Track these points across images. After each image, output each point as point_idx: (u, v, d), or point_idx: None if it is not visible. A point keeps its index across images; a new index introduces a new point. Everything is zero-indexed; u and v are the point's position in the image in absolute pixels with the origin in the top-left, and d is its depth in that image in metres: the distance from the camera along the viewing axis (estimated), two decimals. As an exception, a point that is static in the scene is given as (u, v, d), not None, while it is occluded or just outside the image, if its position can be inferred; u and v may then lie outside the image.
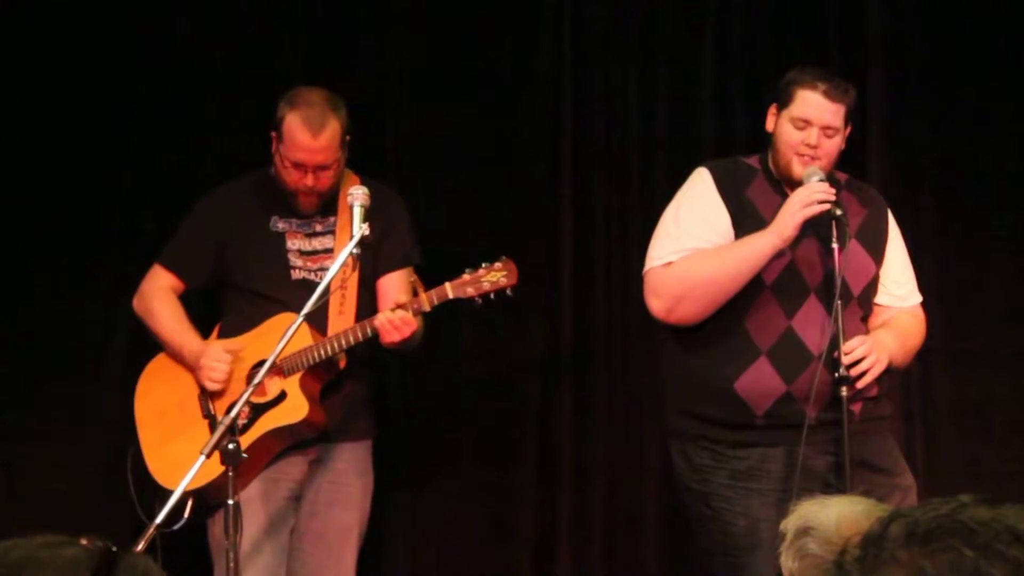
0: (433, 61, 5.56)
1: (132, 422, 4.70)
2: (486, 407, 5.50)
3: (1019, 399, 5.32)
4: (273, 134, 4.60)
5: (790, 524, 2.82)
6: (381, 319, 4.41)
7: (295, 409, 4.49)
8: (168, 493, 4.15)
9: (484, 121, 5.56)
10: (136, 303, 4.75)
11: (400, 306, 4.41)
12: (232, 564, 4.05)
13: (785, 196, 4.34)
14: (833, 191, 4.20)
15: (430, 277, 4.95)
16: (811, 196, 4.18)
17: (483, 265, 4.46)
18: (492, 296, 4.45)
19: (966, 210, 5.08)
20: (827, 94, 4.32)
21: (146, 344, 4.78)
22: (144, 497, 4.51)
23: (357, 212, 4.17)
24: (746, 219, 4.31)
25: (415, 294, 4.45)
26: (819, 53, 5.29)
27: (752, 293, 4.28)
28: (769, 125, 4.41)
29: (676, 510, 5.48)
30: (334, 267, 4.14)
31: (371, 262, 4.62)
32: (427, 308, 4.44)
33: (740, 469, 4.28)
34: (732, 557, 4.27)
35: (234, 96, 5.47)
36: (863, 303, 4.38)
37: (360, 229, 4.14)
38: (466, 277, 4.44)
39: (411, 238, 4.74)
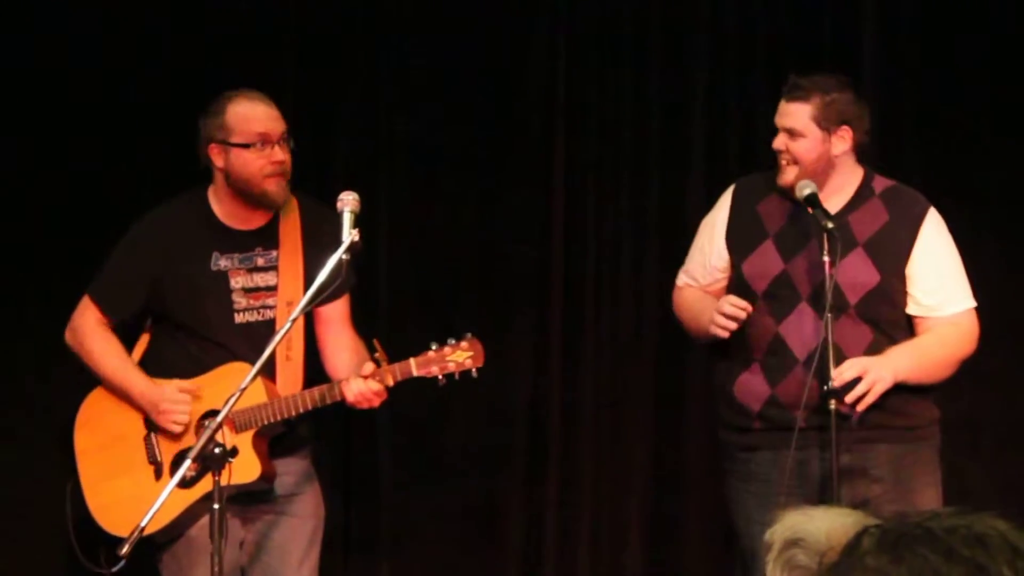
0: (426, 68, 5.55)
1: (71, 453, 4.53)
2: (472, 416, 5.49)
3: (1007, 415, 5.33)
4: (212, 146, 4.46)
5: (777, 534, 2.79)
6: (356, 390, 4.33)
7: (248, 468, 4.38)
8: (108, 534, 4.19)
9: (477, 127, 5.57)
10: (68, 337, 4.57)
11: (372, 375, 4.32)
12: (218, 569, 4.03)
13: (793, 204, 4.36)
14: (741, 315, 4.28)
15: (429, 286, 4.96)
16: (720, 319, 4.30)
17: (449, 343, 4.38)
18: (456, 376, 4.40)
19: (955, 228, 5.09)
20: (787, 97, 4.38)
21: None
22: (81, 531, 4.42)
23: (347, 218, 4.13)
24: (749, 236, 4.41)
25: (378, 365, 4.33)
26: (813, 64, 5.30)
27: (750, 302, 4.35)
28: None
29: (661, 521, 5.51)
30: (317, 282, 4.04)
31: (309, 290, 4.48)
32: (389, 383, 4.35)
33: (742, 471, 4.40)
34: (747, 560, 4.33)
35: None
36: (864, 313, 4.36)
37: (349, 235, 4.11)
38: (431, 355, 4.37)
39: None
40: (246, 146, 4.45)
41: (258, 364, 4.03)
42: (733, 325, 4.29)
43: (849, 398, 4.22)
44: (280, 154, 4.46)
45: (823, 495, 4.20)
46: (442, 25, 5.56)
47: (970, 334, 4.45)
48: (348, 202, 4.15)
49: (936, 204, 4.70)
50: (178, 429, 4.44)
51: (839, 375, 4.21)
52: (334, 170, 5.47)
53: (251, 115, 4.46)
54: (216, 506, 4.01)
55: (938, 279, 4.42)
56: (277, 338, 4.09)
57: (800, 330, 4.30)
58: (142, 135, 5.45)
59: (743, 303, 4.31)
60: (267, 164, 4.45)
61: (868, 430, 4.32)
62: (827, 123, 4.34)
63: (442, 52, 5.55)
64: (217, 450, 3.99)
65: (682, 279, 4.57)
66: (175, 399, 4.44)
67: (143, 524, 3.99)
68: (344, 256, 4.08)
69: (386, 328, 5.33)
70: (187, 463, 3.97)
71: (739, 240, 4.43)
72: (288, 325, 4.09)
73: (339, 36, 5.59)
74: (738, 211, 4.47)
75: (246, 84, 5.21)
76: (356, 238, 4.10)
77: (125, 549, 4.01)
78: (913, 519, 1.61)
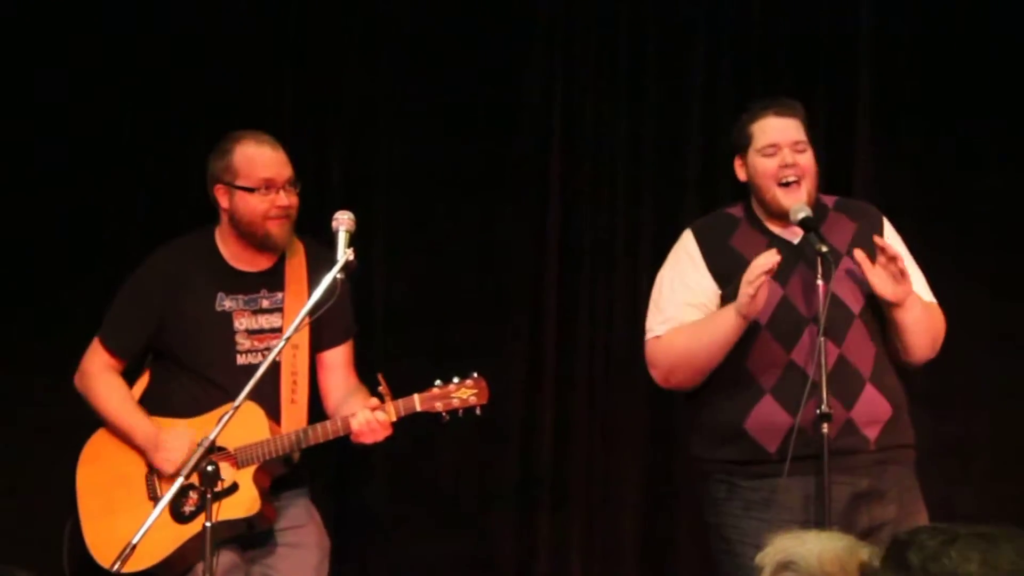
0: (423, 88, 5.57)
1: (72, 490, 4.53)
2: (466, 436, 5.49)
3: (998, 440, 5.34)
4: (218, 187, 4.49)
5: (768, 557, 2.80)
6: (362, 419, 4.33)
7: (248, 503, 4.38)
8: (106, 572, 4.18)
9: (472, 145, 5.58)
10: (78, 382, 4.59)
11: (377, 407, 4.33)
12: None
13: (769, 235, 4.36)
14: (777, 258, 4.21)
15: (416, 299, 4.95)
16: (754, 272, 4.20)
17: (454, 380, 4.41)
18: (460, 413, 4.41)
19: (947, 250, 5.10)
20: (778, 113, 4.39)
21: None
22: (76, 568, 4.42)
23: (342, 238, 4.13)
24: (734, 270, 4.32)
25: (382, 400, 4.35)
26: (807, 83, 5.33)
27: (751, 335, 4.30)
28: (741, 175, 4.45)
29: (654, 538, 5.51)
30: (313, 297, 4.06)
31: (314, 335, 4.52)
32: (393, 418, 4.36)
33: (754, 500, 4.30)
34: None
35: (225, 111, 5.45)
36: (868, 317, 4.37)
37: (344, 254, 4.12)
38: (435, 391, 4.39)
39: (351, 309, 4.60)
40: (251, 190, 4.46)
41: (249, 386, 4.00)
42: (765, 278, 4.19)
43: (880, 241, 4.24)
44: (284, 199, 4.47)
45: (847, 519, 4.18)
46: (439, 42, 5.58)
47: (941, 321, 4.46)
48: (343, 221, 4.15)
49: (927, 222, 4.72)
50: (171, 468, 4.42)
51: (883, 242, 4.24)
52: (331, 189, 5.49)
53: (257, 159, 4.47)
54: (208, 523, 3.99)
55: (909, 263, 4.41)
56: (272, 355, 4.06)
57: (813, 353, 4.27)
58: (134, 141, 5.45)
59: (772, 253, 4.22)
60: (271, 208, 4.47)
61: (882, 451, 4.32)
62: (808, 137, 4.41)
63: (438, 70, 5.56)
64: (209, 468, 3.99)
65: (659, 328, 4.41)
66: (178, 443, 4.41)
67: (134, 541, 3.98)
68: (338, 275, 4.09)
69: (382, 348, 5.35)
70: (179, 482, 3.97)
71: (726, 277, 4.36)
72: (282, 343, 4.08)
73: (335, 54, 5.60)
74: (711, 249, 4.42)
75: (245, 102, 5.25)
76: (351, 257, 4.11)
77: (116, 566, 4.01)
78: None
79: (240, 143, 4.49)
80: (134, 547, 3.99)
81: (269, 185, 4.46)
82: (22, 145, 5.50)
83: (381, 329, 5.47)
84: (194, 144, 5.35)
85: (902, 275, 4.26)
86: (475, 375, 4.43)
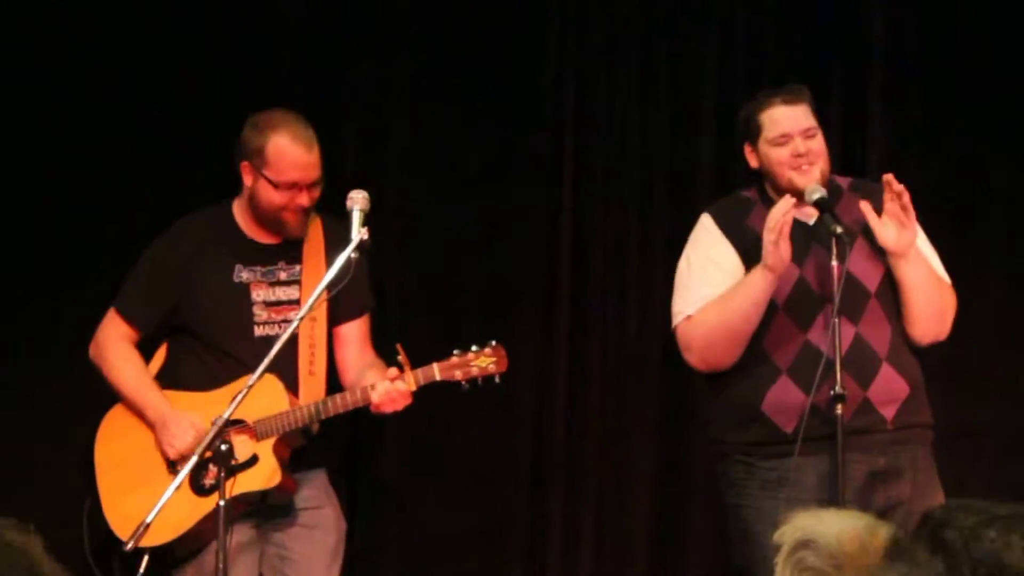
0: (436, 75, 5.56)
1: (91, 467, 4.53)
2: (478, 420, 5.49)
3: (1008, 425, 5.34)
4: (246, 164, 4.48)
5: (787, 536, 2.79)
6: (383, 390, 4.33)
7: (268, 475, 4.37)
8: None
9: (486, 135, 5.58)
10: (93, 351, 4.58)
11: (397, 377, 4.33)
12: (222, 565, 4.03)
13: None
14: (793, 200, 4.22)
15: (430, 291, 4.94)
16: (773, 219, 4.21)
17: (473, 349, 4.40)
18: (480, 381, 4.41)
19: (958, 236, 5.10)
20: (787, 101, 4.41)
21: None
22: (96, 545, 4.42)
23: (356, 217, 4.14)
24: (752, 248, 4.34)
25: (401, 370, 4.35)
26: (821, 84, 5.32)
27: (768, 315, 4.32)
28: (752, 162, 4.47)
29: (665, 527, 5.51)
30: (328, 276, 4.09)
31: (330, 309, 4.51)
32: (412, 388, 4.36)
33: (771, 479, 4.31)
34: (765, 571, 4.25)
35: (232, 101, 5.43)
36: (884, 297, 4.37)
37: (359, 233, 4.12)
38: (455, 360, 4.39)
39: (368, 283, 4.60)
40: (275, 184, 4.45)
41: (266, 360, 4.03)
42: (785, 221, 4.19)
43: (887, 176, 4.25)
44: (306, 199, 4.46)
45: (863, 497, 4.20)
46: (452, 31, 5.57)
47: (951, 298, 4.45)
48: (358, 200, 4.16)
49: (939, 209, 4.71)
50: (173, 455, 4.42)
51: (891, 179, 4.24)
52: (344, 177, 5.47)
53: (289, 158, 4.44)
54: (221, 502, 4.01)
55: (923, 242, 4.43)
56: (288, 331, 4.11)
57: (828, 333, 4.25)
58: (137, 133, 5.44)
59: (787, 198, 4.23)
60: (291, 203, 4.47)
61: (899, 430, 4.33)
62: (817, 120, 4.43)
63: (451, 58, 5.56)
64: (223, 447, 4.00)
65: (690, 308, 4.40)
66: (183, 431, 4.41)
67: (148, 520, 3.99)
68: (353, 254, 4.09)
69: (396, 338, 5.34)
70: (194, 459, 3.98)
71: (747, 255, 4.38)
72: (298, 319, 4.11)
73: (345, 42, 5.59)
74: (730, 230, 4.44)
75: (256, 88, 5.17)
76: (366, 236, 4.11)
77: (130, 544, 4.02)
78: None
79: (277, 132, 4.45)
80: (148, 526, 4.01)
81: (294, 186, 4.45)
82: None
83: (394, 321, 5.45)
84: (200, 135, 5.37)
85: (906, 212, 4.25)
86: (493, 343, 4.42)
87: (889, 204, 4.28)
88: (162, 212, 4.85)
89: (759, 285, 4.27)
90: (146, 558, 4.19)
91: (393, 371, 4.36)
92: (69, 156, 5.43)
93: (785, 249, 4.21)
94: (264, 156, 4.44)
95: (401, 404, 4.36)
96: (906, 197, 4.26)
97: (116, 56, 5.46)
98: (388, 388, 4.33)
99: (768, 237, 4.20)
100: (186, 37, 5.48)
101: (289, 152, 4.43)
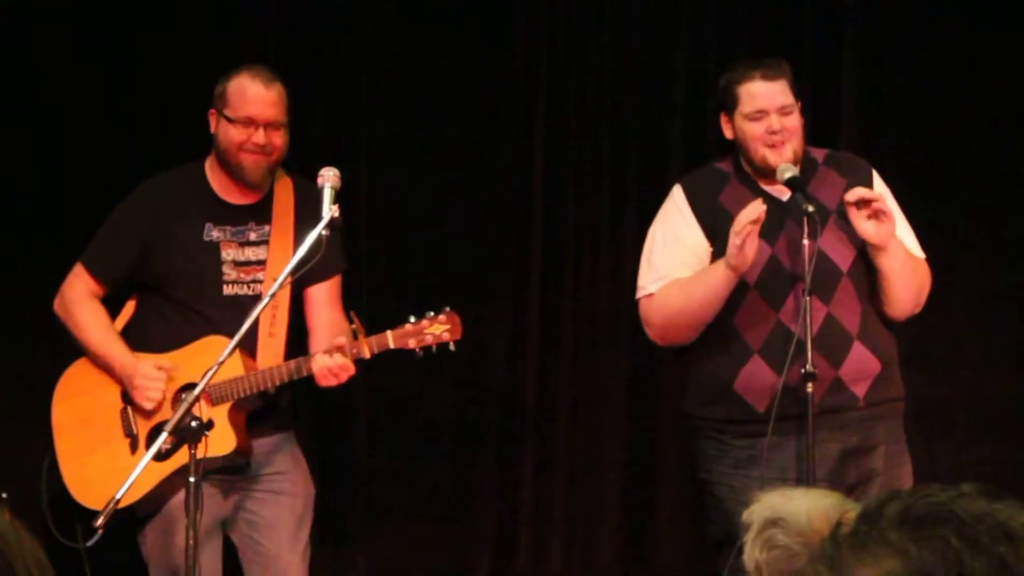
0: (406, 50, 5.55)
1: (49, 427, 4.52)
2: (447, 397, 5.48)
3: (981, 402, 5.35)
4: (212, 112, 4.50)
5: (756, 514, 2.79)
6: (319, 365, 4.30)
7: (224, 440, 4.36)
8: (84, 509, 4.18)
9: (457, 109, 5.57)
10: (57, 305, 4.57)
11: (339, 348, 4.29)
12: (192, 542, 4.03)
13: (758, 192, 4.35)
14: (763, 207, 4.21)
15: (400, 260, 4.92)
16: (741, 223, 4.20)
17: (427, 316, 4.37)
18: (434, 349, 4.38)
19: (934, 213, 5.11)
20: (765, 76, 4.38)
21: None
22: (56, 507, 4.41)
23: (327, 194, 4.12)
24: (722, 226, 4.33)
25: (355, 338, 4.32)
26: (794, 37, 5.33)
27: (739, 294, 4.31)
28: (728, 133, 4.45)
29: (636, 504, 5.52)
30: (298, 254, 4.06)
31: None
32: (366, 355, 4.33)
33: (743, 458, 4.32)
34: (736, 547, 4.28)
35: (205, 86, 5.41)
36: (856, 276, 4.37)
37: (329, 211, 4.10)
38: (408, 328, 4.35)
39: (340, 246, 4.57)
40: (232, 121, 4.46)
41: (236, 337, 4.03)
42: (752, 228, 4.17)
43: (851, 195, 4.24)
44: (261, 137, 4.45)
45: (836, 475, 4.21)
46: (423, 8, 5.55)
47: (927, 276, 4.46)
48: (329, 178, 4.14)
49: (915, 186, 4.70)
50: (150, 405, 4.43)
51: (856, 193, 4.24)
52: (314, 151, 5.45)
53: (247, 94, 4.46)
54: (192, 479, 4.00)
55: (898, 217, 4.41)
56: (253, 315, 4.09)
57: (799, 312, 4.26)
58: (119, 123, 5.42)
59: (757, 203, 4.22)
60: (247, 141, 4.45)
61: (871, 407, 4.34)
62: (795, 95, 4.40)
63: (422, 34, 5.54)
64: (194, 423, 3.99)
65: (652, 286, 4.41)
66: (150, 375, 4.43)
67: (118, 496, 3.99)
68: (323, 232, 4.07)
69: (366, 311, 5.33)
70: (163, 436, 3.97)
71: (715, 233, 4.36)
72: (266, 300, 4.07)
73: (319, 20, 5.56)
74: (700, 206, 4.42)
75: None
76: (336, 214, 4.09)
77: (100, 520, 4.01)
78: (937, 496, 1.59)
79: (240, 74, 4.50)
80: (118, 502, 4.00)
81: (249, 122, 4.45)
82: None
83: (365, 296, 5.44)
84: (173, 121, 5.35)
85: (883, 215, 4.25)
86: (447, 309, 4.40)
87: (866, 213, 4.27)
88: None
89: (720, 281, 4.28)
90: (102, 518, 4.12)
91: (341, 340, 4.33)
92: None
93: (751, 249, 4.20)
94: (225, 96, 4.49)
95: (344, 376, 4.32)
96: (881, 202, 4.26)
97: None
98: (326, 363, 4.30)
99: (734, 240, 4.19)
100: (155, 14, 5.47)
101: (247, 88, 4.47)
